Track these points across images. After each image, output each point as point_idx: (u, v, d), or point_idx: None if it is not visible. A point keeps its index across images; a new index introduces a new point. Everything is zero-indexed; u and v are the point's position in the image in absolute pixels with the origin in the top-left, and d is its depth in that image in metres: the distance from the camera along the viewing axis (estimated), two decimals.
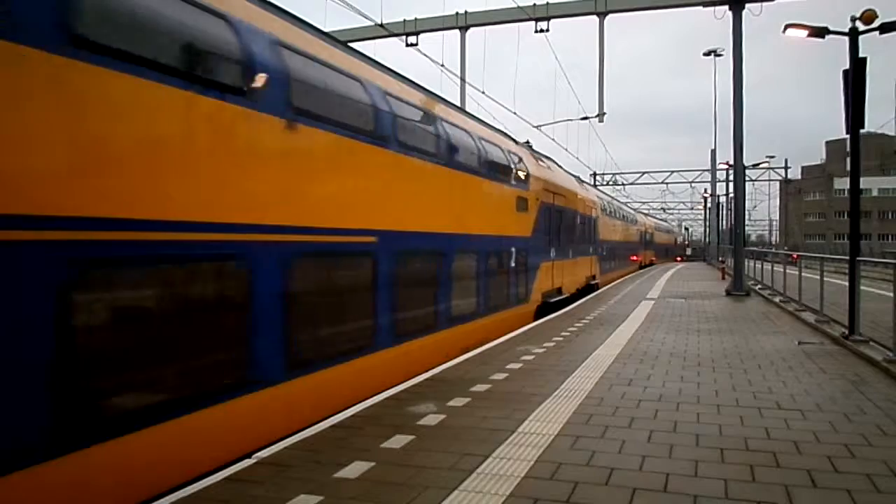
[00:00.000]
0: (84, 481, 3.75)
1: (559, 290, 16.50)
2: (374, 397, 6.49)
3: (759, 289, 20.66)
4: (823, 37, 11.01)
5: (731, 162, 23.15)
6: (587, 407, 6.14)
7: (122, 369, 4.12)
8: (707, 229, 58.56)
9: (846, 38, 9.99)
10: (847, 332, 9.83)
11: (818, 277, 12.46)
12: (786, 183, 70.59)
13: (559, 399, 6.44)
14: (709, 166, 44.38)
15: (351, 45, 8.91)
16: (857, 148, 10.30)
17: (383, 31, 18.48)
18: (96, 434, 3.82)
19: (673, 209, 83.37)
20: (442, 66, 18.08)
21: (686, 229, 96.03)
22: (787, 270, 16.39)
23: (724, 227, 45.23)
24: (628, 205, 55.52)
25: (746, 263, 21.62)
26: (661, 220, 71.69)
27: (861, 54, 9.83)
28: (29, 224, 3.49)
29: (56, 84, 3.68)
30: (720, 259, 36.84)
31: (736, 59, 18.73)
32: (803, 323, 12.52)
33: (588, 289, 20.90)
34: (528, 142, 16.56)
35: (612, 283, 25.31)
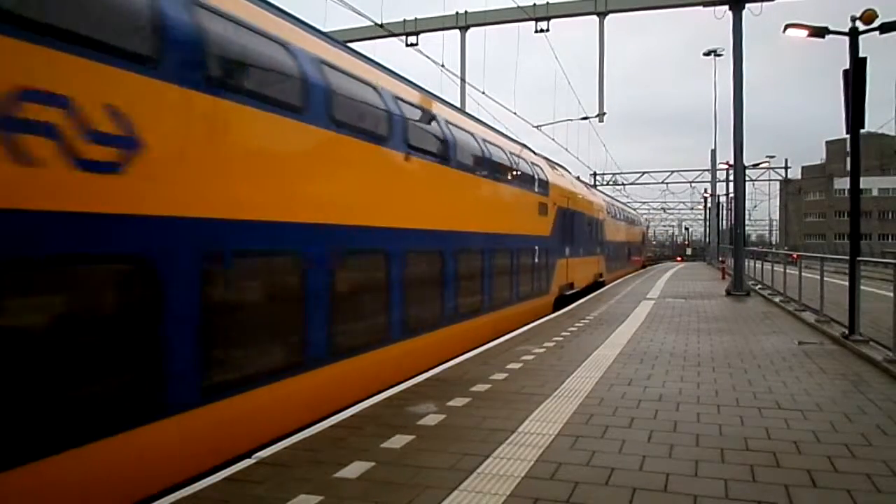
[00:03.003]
0: None
1: None
2: (374, 397, 6.48)
3: (760, 289, 20.65)
4: (823, 37, 11.00)
5: (732, 162, 23.14)
6: (587, 407, 6.14)
7: None
8: (707, 229, 58.49)
9: (846, 38, 10.00)
10: (847, 331, 9.82)
11: (818, 277, 12.46)
12: (786, 183, 70.54)
13: (559, 399, 6.44)
14: (709, 166, 44.33)
15: (350, 45, 8.89)
16: (857, 148, 10.30)
17: (383, 31, 18.47)
18: None
19: (673, 209, 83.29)
20: (442, 66, 18.06)
21: (686, 229, 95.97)
22: (787, 270, 16.39)
23: (724, 227, 45.19)
24: (629, 205, 52.79)
25: (746, 263, 21.61)
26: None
27: (861, 54, 9.83)
28: None
29: None
30: (720, 259, 36.72)
31: (736, 58, 18.74)
32: (803, 323, 12.51)
33: None
34: None
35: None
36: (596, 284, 23.18)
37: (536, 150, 17.06)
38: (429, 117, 9.71)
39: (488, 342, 10.04)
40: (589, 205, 22.88)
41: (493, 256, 11.95)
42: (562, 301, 17.13)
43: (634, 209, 57.37)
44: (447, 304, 9.79)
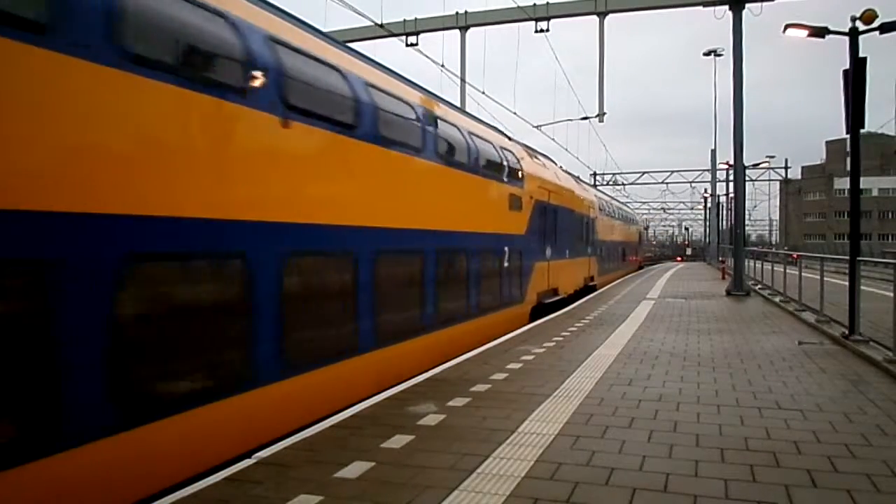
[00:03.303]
0: None
1: None
2: (374, 397, 6.49)
3: (760, 289, 20.65)
4: (823, 37, 11.00)
5: (731, 162, 23.14)
6: (587, 407, 6.14)
7: None
8: (707, 229, 58.50)
9: (846, 38, 9.99)
10: (847, 331, 9.82)
11: (818, 277, 12.46)
12: (786, 183, 70.62)
13: (559, 399, 6.44)
14: (709, 166, 44.33)
15: (350, 45, 8.84)
16: (857, 148, 10.30)
17: (383, 31, 18.49)
18: None
19: (673, 209, 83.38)
20: (442, 66, 18.10)
21: (686, 229, 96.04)
22: (787, 270, 16.39)
23: (724, 227, 45.20)
24: (627, 204, 52.49)
25: (746, 263, 21.61)
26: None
27: (861, 54, 9.83)
28: None
29: None
30: (720, 259, 36.70)
31: (736, 58, 18.75)
32: (803, 323, 12.51)
33: None
34: None
35: None
36: (587, 289, 20.92)
37: (513, 137, 15.06)
38: (329, 72, 6.93)
39: (431, 369, 8.01)
40: (577, 200, 20.22)
41: (439, 260, 9.42)
42: (542, 310, 14.66)
43: (633, 208, 55.59)
44: (362, 326, 7.24)
